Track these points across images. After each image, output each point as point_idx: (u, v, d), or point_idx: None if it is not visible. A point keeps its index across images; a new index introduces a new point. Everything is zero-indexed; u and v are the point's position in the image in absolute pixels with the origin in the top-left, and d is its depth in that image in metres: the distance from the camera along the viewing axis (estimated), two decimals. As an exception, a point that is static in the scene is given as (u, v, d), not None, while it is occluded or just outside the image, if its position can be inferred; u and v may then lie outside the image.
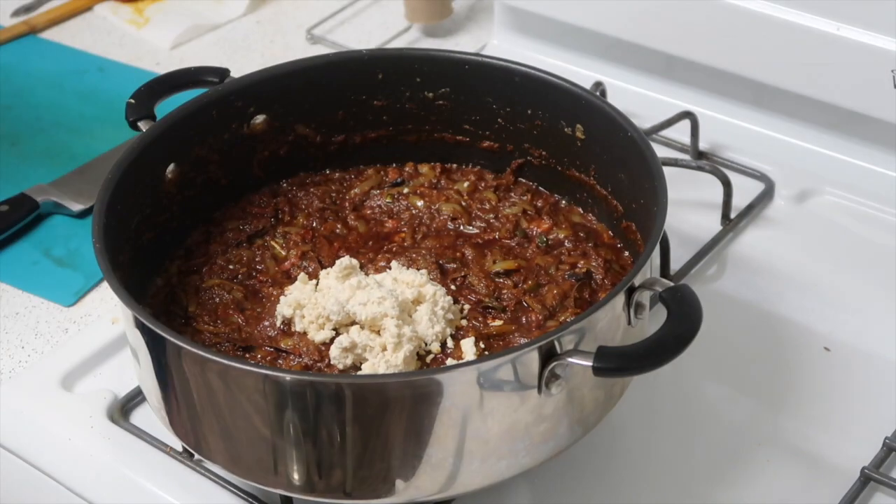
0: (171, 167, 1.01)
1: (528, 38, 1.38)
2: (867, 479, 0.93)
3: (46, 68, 1.45)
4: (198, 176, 1.04)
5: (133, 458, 0.97)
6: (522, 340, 0.94)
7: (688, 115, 1.22)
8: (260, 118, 1.06)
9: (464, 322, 0.96)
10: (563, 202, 1.08)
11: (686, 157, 1.23)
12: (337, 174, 1.12)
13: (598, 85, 1.23)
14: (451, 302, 0.96)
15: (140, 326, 0.86)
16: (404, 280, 0.96)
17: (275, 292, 0.99)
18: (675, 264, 1.09)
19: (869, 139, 1.19)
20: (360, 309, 0.93)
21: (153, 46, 1.48)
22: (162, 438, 0.97)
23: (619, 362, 0.81)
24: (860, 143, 1.20)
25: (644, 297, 0.87)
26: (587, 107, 1.03)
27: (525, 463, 0.86)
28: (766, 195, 1.19)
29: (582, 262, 1.00)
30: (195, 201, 1.04)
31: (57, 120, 1.36)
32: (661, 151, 1.09)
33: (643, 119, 1.17)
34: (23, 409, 1.02)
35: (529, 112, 1.07)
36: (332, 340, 0.93)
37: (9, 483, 1.02)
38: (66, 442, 0.99)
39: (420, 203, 1.08)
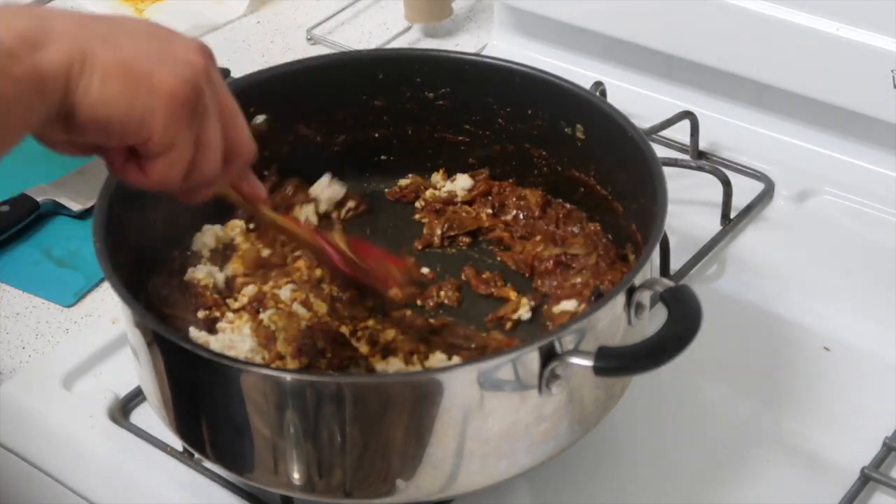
0: (171, 167, 1.01)
1: (528, 38, 1.38)
2: (867, 479, 0.93)
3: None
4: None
5: (133, 458, 0.97)
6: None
7: (688, 115, 1.22)
8: (260, 118, 1.06)
9: None
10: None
11: (686, 157, 1.23)
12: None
13: (598, 85, 1.23)
14: None
15: (140, 326, 0.86)
16: None
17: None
18: (675, 264, 1.09)
19: (869, 139, 1.19)
20: None
21: (153, 46, 1.48)
22: (162, 438, 0.97)
23: (619, 362, 0.81)
24: (860, 143, 1.20)
25: (644, 297, 0.87)
26: (587, 107, 1.03)
27: (525, 463, 0.86)
28: (766, 195, 1.19)
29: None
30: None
31: (57, 120, 1.35)
32: (661, 151, 1.09)
33: (643, 119, 1.17)
34: (23, 408, 1.02)
35: (529, 112, 1.07)
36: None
37: (9, 483, 1.02)
38: (66, 442, 0.99)
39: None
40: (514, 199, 1.08)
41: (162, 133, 0.71)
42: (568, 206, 1.07)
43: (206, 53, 0.75)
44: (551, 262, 1.03)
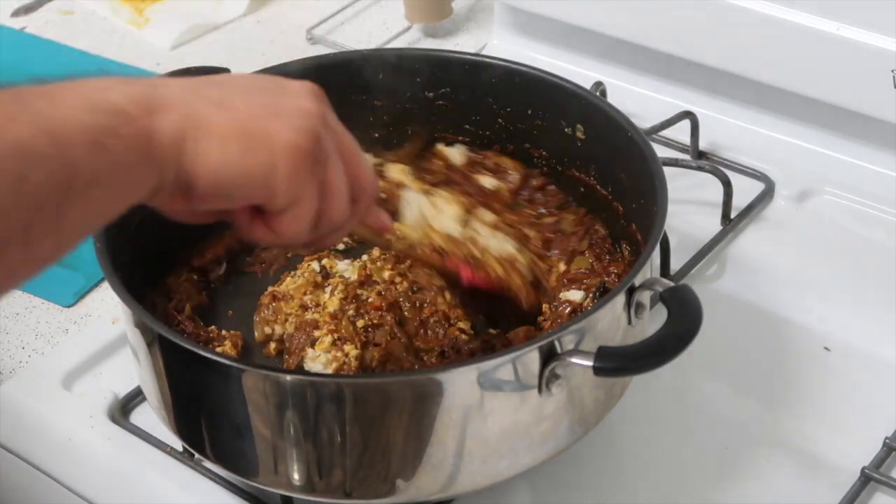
0: (171, 167, 1.01)
1: (528, 38, 1.38)
2: (867, 479, 0.93)
3: (47, 68, 1.45)
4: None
5: (133, 458, 0.97)
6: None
7: (688, 115, 1.22)
8: None
9: None
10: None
11: (686, 157, 1.23)
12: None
13: (598, 85, 1.23)
14: None
15: (140, 326, 0.86)
16: None
17: None
18: (675, 264, 1.09)
19: (869, 139, 1.19)
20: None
21: (153, 47, 1.48)
22: (162, 438, 0.97)
23: (619, 362, 0.81)
24: (860, 143, 1.20)
25: (644, 297, 0.87)
26: (587, 107, 1.03)
27: (525, 463, 0.86)
28: (766, 195, 1.19)
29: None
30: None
31: (57, 120, 1.35)
32: (661, 151, 1.09)
33: (643, 119, 1.17)
34: (23, 409, 1.02)
35: (529, 112, 1.06)
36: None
37: (9, 483, 1.02)
38: (66, 442, 0.99)
39: None
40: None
41: (286, 189, 0.70)
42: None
43: (319, 97, 0.74)
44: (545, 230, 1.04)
